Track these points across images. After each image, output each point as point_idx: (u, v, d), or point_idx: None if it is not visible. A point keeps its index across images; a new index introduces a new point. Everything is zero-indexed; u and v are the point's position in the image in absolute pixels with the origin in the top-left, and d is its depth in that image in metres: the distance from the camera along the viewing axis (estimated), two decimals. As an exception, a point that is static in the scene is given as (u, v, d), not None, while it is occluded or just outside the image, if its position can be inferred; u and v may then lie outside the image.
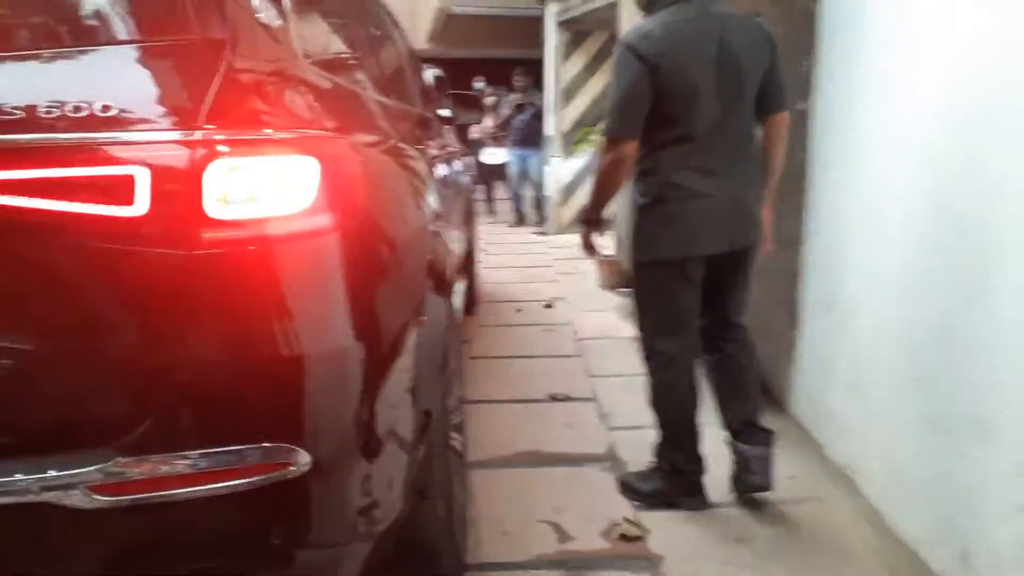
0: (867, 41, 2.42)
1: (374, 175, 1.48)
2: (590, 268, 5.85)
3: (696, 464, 2.37)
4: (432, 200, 2.13)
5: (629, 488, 2.46)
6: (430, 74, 7.32)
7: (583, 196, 8.26)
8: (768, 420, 2.89)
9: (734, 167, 2.19)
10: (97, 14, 1.20)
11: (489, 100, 9.10)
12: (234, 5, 1.24)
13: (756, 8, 2.74)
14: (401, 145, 1.99)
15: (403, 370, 1.53)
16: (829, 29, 2.70)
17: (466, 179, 4.20)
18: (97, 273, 1.08)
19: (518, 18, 11.56)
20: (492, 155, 9.18)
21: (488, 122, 8.98)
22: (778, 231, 2.82)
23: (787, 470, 2.59)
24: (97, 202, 1.05)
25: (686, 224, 2.18)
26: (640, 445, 2.78)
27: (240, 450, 1.13)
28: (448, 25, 12.64)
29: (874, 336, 2.34)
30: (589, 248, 2.49)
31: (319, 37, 1.81)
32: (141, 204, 1.06)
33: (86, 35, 1.19)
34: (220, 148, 1.09)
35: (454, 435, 2.15)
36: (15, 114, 1.06)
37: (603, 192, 2.29)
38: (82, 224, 1.05)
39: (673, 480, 2.38)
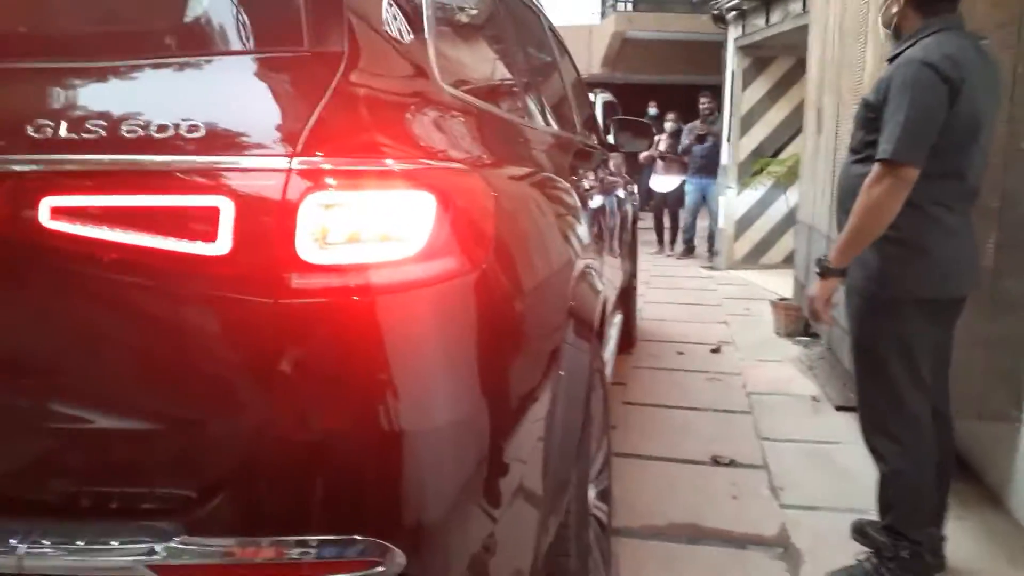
0: None
1: (509, 212, 1.26)
2: (765, 310, 5.35)
3: (939, 549, 2.10)
4: (582, 237, 1.90)
5: None
6: (600, 99, 7.12)
7: (759, 230, 7.72)
8: (984, 517, 2.41)
9: (970, 209, 2.00)
10: (191, 21, 1.06)
11: (669, 125, 8.76)
12: (356, 14, 1.06)
13: (979, 29, 2.28)
14: (552, 177, 1.77)
15: (532, 441, 1.30)
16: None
17: (628, 208, 3.93)
18: (170, 318, 0.93)
19: (695, 42, 11.18)
20: (663, 182, 8.76)
21: (662, 146, 8.63)
22: (997, 290, 2.33)
23: (1014, 587, 2.08)
24: (175, 236, 0.90)
25: (947, 259, 1.95)
26: (820, 531, 2.38)
27: (320, 541, 0.94)
28: (623, 50, 12.48)
29: None
30: (825, 305, 2.02)
31: (466, 57, 1.63)
32: (224, 241, 0.90)
33: (178, 45, 1.05)
34: (318, 179, 0.91)
35: (597, 504, 1.89)
36: (94, 131, 0.93)
37: (870, 229, 1.89)
38: (156, 262, 0.91)
39: (911, 570, 2.03)
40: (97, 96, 1.02)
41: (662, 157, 8.64)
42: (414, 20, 1.23)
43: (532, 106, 2.04)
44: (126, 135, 0.93)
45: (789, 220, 7.42)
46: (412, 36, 1.21)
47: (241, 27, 1.05)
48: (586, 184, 2.30)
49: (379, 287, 0.93)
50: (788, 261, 7.37)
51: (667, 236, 9.02)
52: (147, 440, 0.95)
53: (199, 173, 0.92)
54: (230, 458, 0.93)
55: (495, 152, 1.38)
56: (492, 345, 1.10)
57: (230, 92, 1.00)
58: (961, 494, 2.33)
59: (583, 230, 1.92)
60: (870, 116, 1.94)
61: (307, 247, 0.91)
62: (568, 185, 1.92)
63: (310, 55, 1.02)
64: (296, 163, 0.91)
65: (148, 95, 1.01)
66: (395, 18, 1.17)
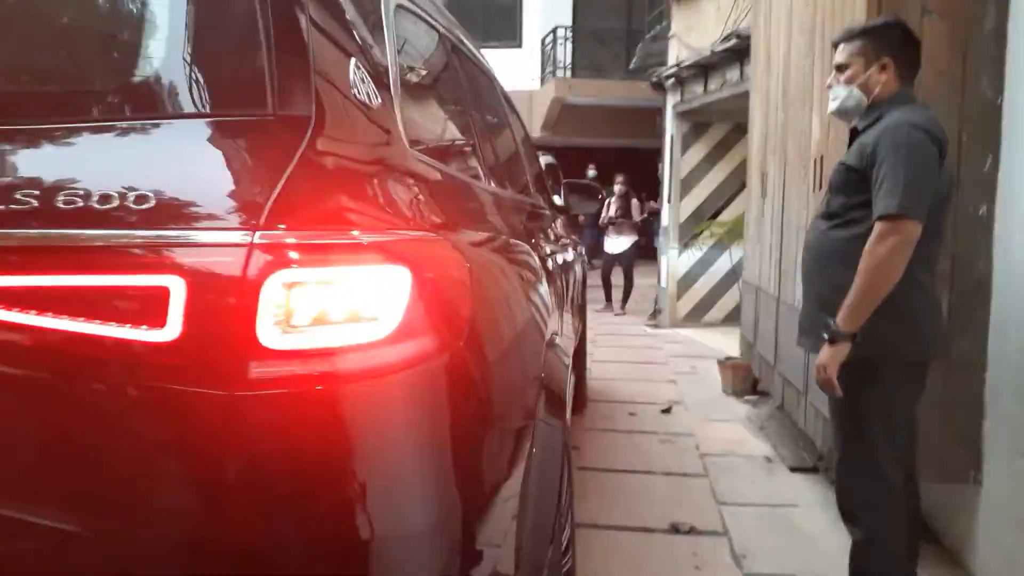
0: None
1: (481, 282, 1.19)
2: (710, 368, 5.37)
3: None
4: (547, 303, 1.84)
5: None
6: (543, 160, 7.22)
7: (701, 289, 7.84)
8: (945, 578, 2.38)
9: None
10: (142, 80, 0.97)
11: (618, 188, 8.94)
12: (323, 76, 0.99)
13: (927, 98, 2.37)
14: (515, 241, 1.72)
15: (506, 523, 1.21)
16: (1016, 124, 2.28)
17: (579, 269, 3.91)
18: (108, 415, 0.82)
19: (633, 108, 11.50)
20: (615, 243, 8.91)
21: (612, 209, 8.83)
22: (951, 352, 2.36)
23: (981, 654, 2.05)
24: (116, 321, 0.80)
25: (929, 322, 1.98)
26: (785, 603, 2.31)
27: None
28: (562, 114, 12.73)
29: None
30: (833, 372, 1.89)
31: (429, 120, 1.59)
32: (173, 326, 0.79)
33: (126, 106, 0.96)
34: (283, 254, 0.82)
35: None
36: (25, 203, 0.83)
37: (878, 289, 1.85)
38: (94, 350, 0.80)
39: None
40: (29, 162, 0.91)
41: (612, 222, 8.81)
42: (381, 83, 1.17)
43: (491, 169, 2.00)
44: (62, 206, 0.82)
45: (730, 279, 7.57)
46: (379, 100, 1.15)
47: (198, 88, 0.96)
48: (544, 247, 2.26)
49: (350, 374, 0.83)
50: (729, 319, 7.50)
51: (615, 295, 9.12)
52: (85, 554, 0.82)
53: (146, 249, 0.82)
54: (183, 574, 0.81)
55: (462, 218, 1.32)
56: (469, 431, 1.02)
57: (185, 159, 0.90)
58: (921, 556, 2.31)
59: (547, 295, 1.86)
60: (851, 179, 1.94)
61: (269, 331, 0.81)
62: (529, 248, 1.87)
63: (274, 119, 0.93)
64: (258, 237, 0.82)
65: (89, 162, 0.90)
66: (363, 81, 1.11)
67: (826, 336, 1.89)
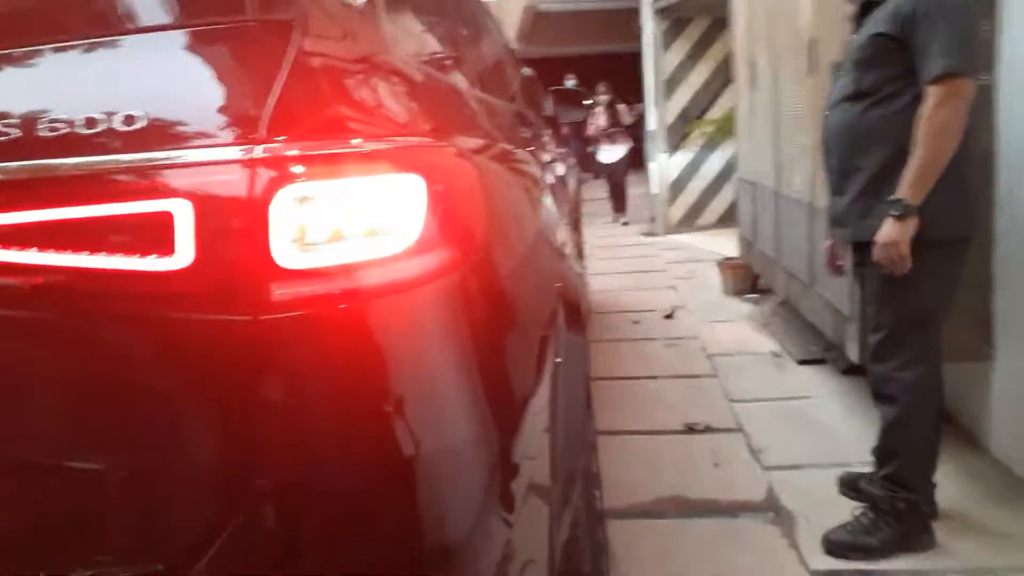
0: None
1: (495, 191, 1.13)
2: (709, 272, 5.36)
3: (932, 497, 2.09)
4: (554, 211, 1.78)
5: (852, 548, 2.03)
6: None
7: (693, 193, 7.76)
8: (962, 458, 2.42)
9: None
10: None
11: (603, 98, 8.74)
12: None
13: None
14: (515, 150, 1.65)
15: (539, 435, 1.18)
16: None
17: (573, 181, 3.83)
18: (129, 351, 0.77)
19: (609, 11, 11.12)
20: (609, 153, 8.79)
21: (602, 120, 8.67)
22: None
23: (999, 525, 2.09)
24: (121, 252, 0.74)
25: (978, 193, 1.94)
26: (807, 490, 2.35)
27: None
28: (536, 23, 12.33)
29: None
30: (907, 249, 1.82)
31: (413, 26, 1.49)
32: (184, 253, 0.74)
33: (103, 21, 0.87)
34: (289, 169, 0.76)
35: (595, 493, 1.79)
36: (6, 133, 0.75)
37: (943, 155, 1.78)
38: (101, 285, 0.74)
39: (909, 522, 2.01)
40: (11, 89, 0.83)
41: (604, 132, 8.67)
42: (362, -18, 1.08)
43: (481, 78, 1.90)
44: (45, 134, 0.75)
45: (720, 180, 7.49)
46: (363, 1, 1.06)
47: None
48: (543, 156, 2.18)
49: (375, 289, 0.78)
50: (723, 221, 7.45)
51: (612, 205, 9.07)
52: (115, 490, 0.79)
53: (143, 173, 0.75)
54: (211, 514, 0.77)
55: (466, 125, 1.24)
56: (497, 343, 0.97)
57: (167, 74, 0.82)
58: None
59: (552, 205, 1.80)
60: (887, 50, 1.85)
61: (284, 250, 0.75)
62: (531, 158, 1.80)
63: (255, 24, 0.85)
64: (261, 152, 0.75)
65: (65, 85, 0.82)
66: (344, -21, 1.02)
67: (895, 213, 1.81)
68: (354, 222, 0.78)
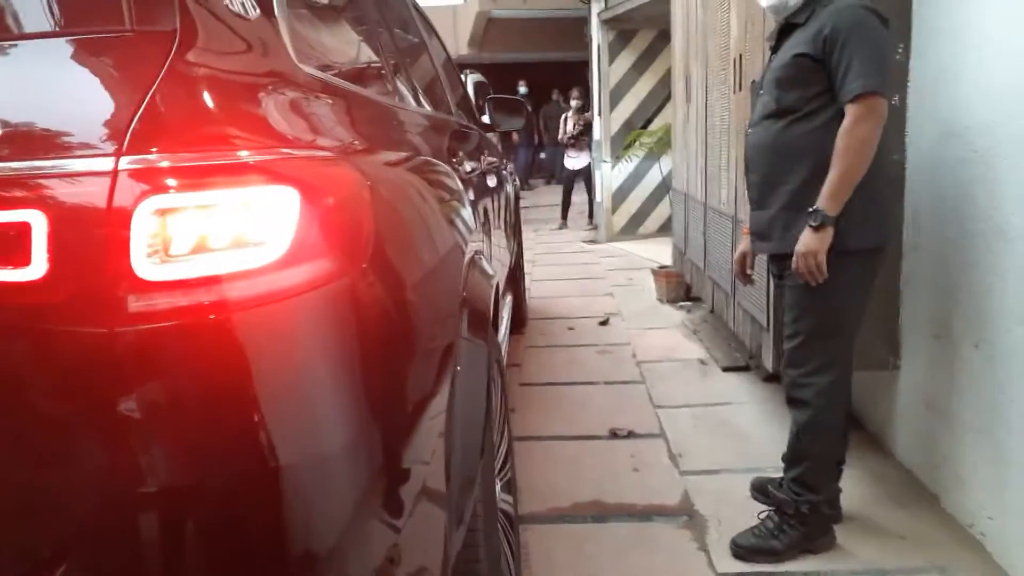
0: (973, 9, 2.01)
1: (387, 202, 1.15)
2: (646, 279, 5.46)
3: (837, 501, 2.21)
4: (468, 222, 1.80)
5: (757, 551, 2.11)
6: (471, 80, 7.03)
7: (635, 201, 7.88)
8: (868, 462, 2.53)
9: None
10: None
11: (575, 103, 8.85)
12: (189, -12, 0.91)
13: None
14: (431, 160, 1.67)
15: (432, 440, 1.21)
16: (926, 11, 2.29)
17: (510, 188, 3.87)
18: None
19: (560, 19, 11.24)
20: (574, 160, 8.92)
21: (569, 125, 8.81)
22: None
23: (896, 526, 2.19)
24: None
25: (889, 206, 2.02)
26: (720, 494, 2.42)
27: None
28: (488, 29, 12.40)
29: (1006, 368, 1.92)
30: (823, 258, 1.90)
31: (326, 37, 1.50)
32: (39, 263, 0.74)
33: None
34: (153, 179, 0.77)
35: (503, 497, 1.82)
36: None
37: (859, 170, 1.88)
38: None
39: (812, 523, 2.10)
40: None
41: (572, 139, 8.80)
42: (262, -6, 1.09)
43: (403, 87, 1.92)
44: None
45: (662, 190, 7.63)
46: (259, 12, 1.07)
47: (48, 3, 0.87)
48: (467, 166, 2.20)
49: (236, 302, 0.79)
50: (663, 230, 7.59)
51: (571, 213, 9.18)
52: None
53: (0, 183, 0.76)
54: (67, 528, 0.78)
55: (366, 137, 1.26)
56: (379, 352, 0.99)
57: (35, 83, 0.82)
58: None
59: (468, 214, 1.82)
60: (806, 69, 1.93)
61: (144, 262, 0.76)
62: (448, 168, 1.82)
63: (134, 35, 0.86)
64: (124, 163, 0.76)
65: None
66: (239, -8, 1.03)
67: (813, 224, 1.89)
68: (220, 234, 0.80)
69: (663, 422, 3.06)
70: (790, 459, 2.14)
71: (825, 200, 1.89)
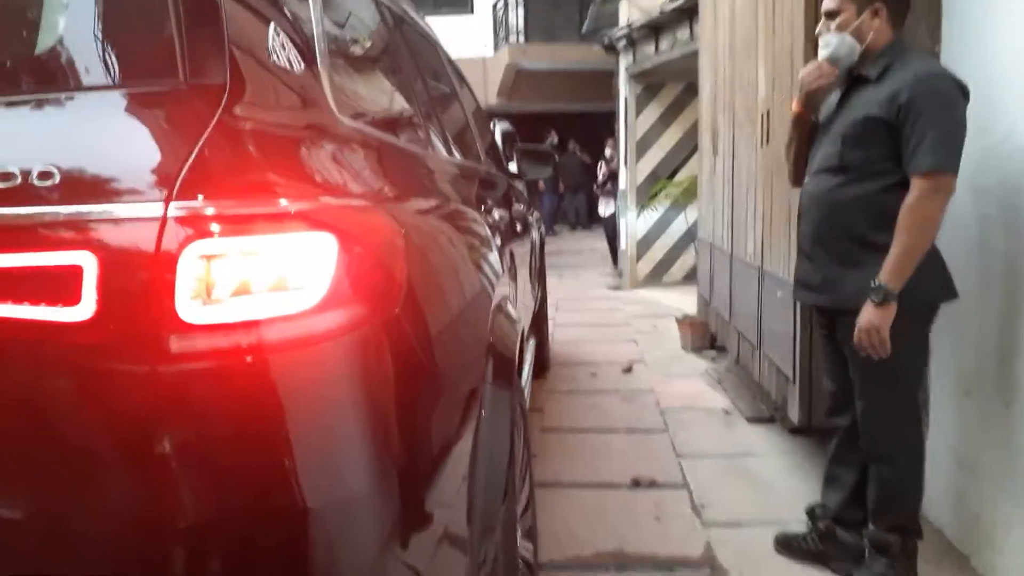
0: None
1: (418, 249, 1.19)
2: (671, 327, 5.45)
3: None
4: (495, 268, 1.84)
5: None
6: (499, 128, 7.17)
7: (660, 249, 7.91)
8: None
9: None
10: (45, 52, 0.94)
11: (608, 152, 9.07)
12: (239, 43, 0.97)
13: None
14: (460, 208, 1.72)
15: (456, 484, 1.22)
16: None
17: (536, 234, 3.92)
18: (28, 399, 0.80)
19: (587, 71, 11.45)
20: (605, 207, 9.07)
21: (601, 175, 9.07)
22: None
23: (924, 586, 2.14)
24: (28, 302, 0.78)
25: (944, 263, 2.00)
26: (743, 547, 2.39)
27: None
28: (517, 80, 12.65)
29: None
30: (887, 333, 1.88)
31: (364, 88, 1.56)
32: (88, 303, 0.78)
33: (29, 79, 0.93)
34: (199, 225, 0.81)
35: (523, 544, 1.82)
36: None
37: (923, 245, 1.87)
38: (6, 333, 0.79)
39: (913, 556, 2.09)
40: None
41: (600, 187, 9.04)
42: (305, 49, 1.16)
43: (435, 136, 1.98)
44: None
45: (687, 239, 7.65)
46: (303, 66, 1.13)
47: (105, 58, 0.94)
48: (495, 213, 2.25)
49: (274, 345, 0.82)
50: (689, 278, 7.59)
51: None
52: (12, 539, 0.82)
53: (54, 226, 0.80)
54: (107, 558, 0.81)
55: (400, 185, 1.31)
56: (408, 397, 1.02)
57: (92, 133, 0.88)
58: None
59: (496, 261, 1.86)
60: (877, 132, 1.92)
61: (188, 304, 0.80)
62: (477, 215, 1.87)
63: (187, 88, 0.91)
64: (173, 209, 0.81)
65: None
66: (283, 47, 1.09)
67: (876, 299, 1.86)
68: (260, 278, 0.84)
69: (686, 472, 3.03)
70: (879, 510, 2.10)
71: (889, 275, 1.87)
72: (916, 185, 1.85)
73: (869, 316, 1.89)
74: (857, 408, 2.09)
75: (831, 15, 2.02)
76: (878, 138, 1.93)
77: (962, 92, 1.88)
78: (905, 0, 2.03)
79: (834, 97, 2.16)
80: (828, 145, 2.07)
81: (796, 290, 2.23)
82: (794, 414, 2.86)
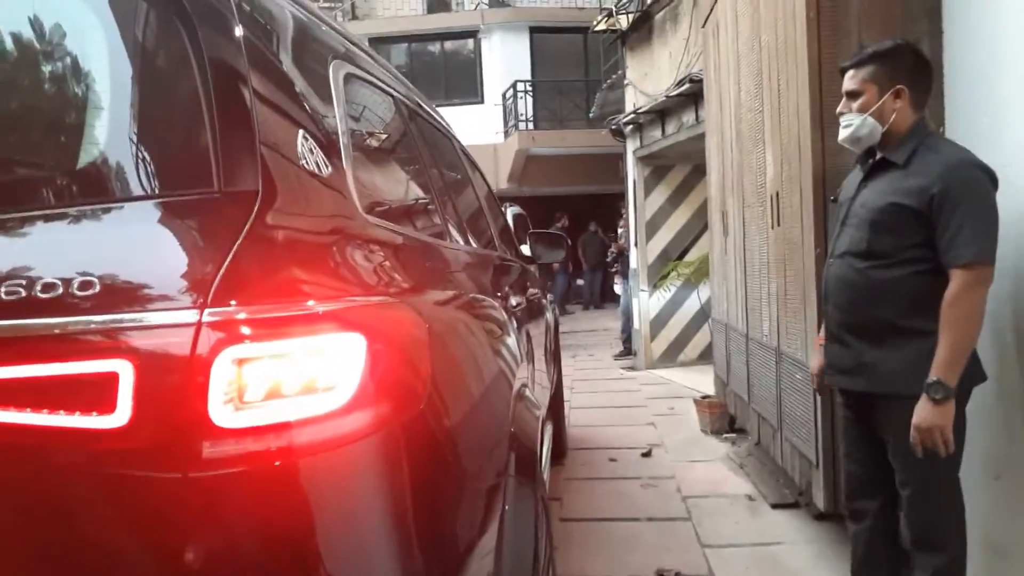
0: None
1: (442, 342, 1.20)
2: (688, 408, 5.38)
3: None
4: (515, 355, 1.84)
5: None
6: (510, 212, 7.26)
7: (674, 329, 7.88)
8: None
9: None
10: (86, 165, 0.97)
11: (621, 232, 9.14)
12: (270, 150, 1.00)
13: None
14: (478, 296, 1.73)
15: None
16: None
17: (550, 317, 3.93)
18: (61, 506, 0.80)
19: (596, 155, 11.70)
20: (617, 286, 9.18)
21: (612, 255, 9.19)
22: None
23: None
24: (64, 410, 0.78)
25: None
26: (776, 646, 2.28)
27: None
28: (528, 165, 12.91)
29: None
30: (951, 432, 1.83)
31: (384, 183, 1.60)
32: (123, 411, 0.79)
33: (70, 192, 0.96)
34: (231, 330, 0.82)
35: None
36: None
37: (974, 337, 1.85)
38: (42, 441, 0.79)
39: None
40: None
41: (611, 266, 9.20)
42: (331, 151, 1.19)
43: (451, 225, 2.02)
44: (5, 297, 0.82)
45: (701, 317, 7.63)
46: (330, 168, 1.16)
47: (143, 170, 0.96)
48: (511, 299, 2.27)
49: (306, 447, 0.82)
50: (704, 357, 7.53)
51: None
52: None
53: (92, 335, 0.82)
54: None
55: (421, 277, 1.33)
56: (436, 493, 1.01)
57: (130, 242, 0.90)
58: None
59: (514, 347, 1.87)
60: (907, 219, 1.89)
61: (221, 409, 0.80)
62: (495, 302, 1.88)
63: (221, 196, 0.94)
64: (206, 315, 0.82)
65: (32, 251, 0.91)
66: (312, 151, 1.12)
67: (936, 397, 1.81)
68: (291, 380, 0.84)
69: (711, 563, 2.93)
70: None
71: (944, 371, 1.81)
72: (958, 276, 1.82)
73: (929, 415, 1.82)
74: (902, 496, 2.01)
75: (853, 95, 2.01)
76: (908, 226, 1.90)
77: (991, 179, 1.87)
78: (927, 82, 2.02)
79: (854, 176, 2.15)
80: (854, 229, 2.03)
81: (829, 374, 2.19)
82: (819, 500, 2.78)
